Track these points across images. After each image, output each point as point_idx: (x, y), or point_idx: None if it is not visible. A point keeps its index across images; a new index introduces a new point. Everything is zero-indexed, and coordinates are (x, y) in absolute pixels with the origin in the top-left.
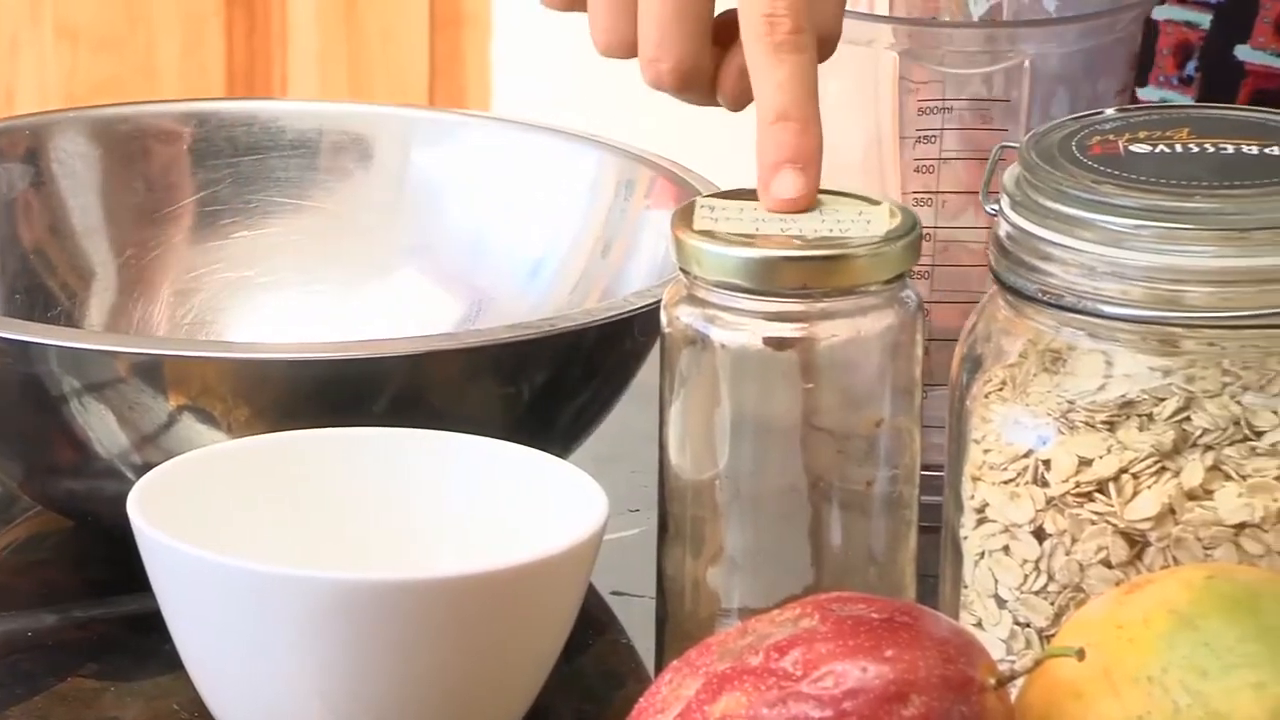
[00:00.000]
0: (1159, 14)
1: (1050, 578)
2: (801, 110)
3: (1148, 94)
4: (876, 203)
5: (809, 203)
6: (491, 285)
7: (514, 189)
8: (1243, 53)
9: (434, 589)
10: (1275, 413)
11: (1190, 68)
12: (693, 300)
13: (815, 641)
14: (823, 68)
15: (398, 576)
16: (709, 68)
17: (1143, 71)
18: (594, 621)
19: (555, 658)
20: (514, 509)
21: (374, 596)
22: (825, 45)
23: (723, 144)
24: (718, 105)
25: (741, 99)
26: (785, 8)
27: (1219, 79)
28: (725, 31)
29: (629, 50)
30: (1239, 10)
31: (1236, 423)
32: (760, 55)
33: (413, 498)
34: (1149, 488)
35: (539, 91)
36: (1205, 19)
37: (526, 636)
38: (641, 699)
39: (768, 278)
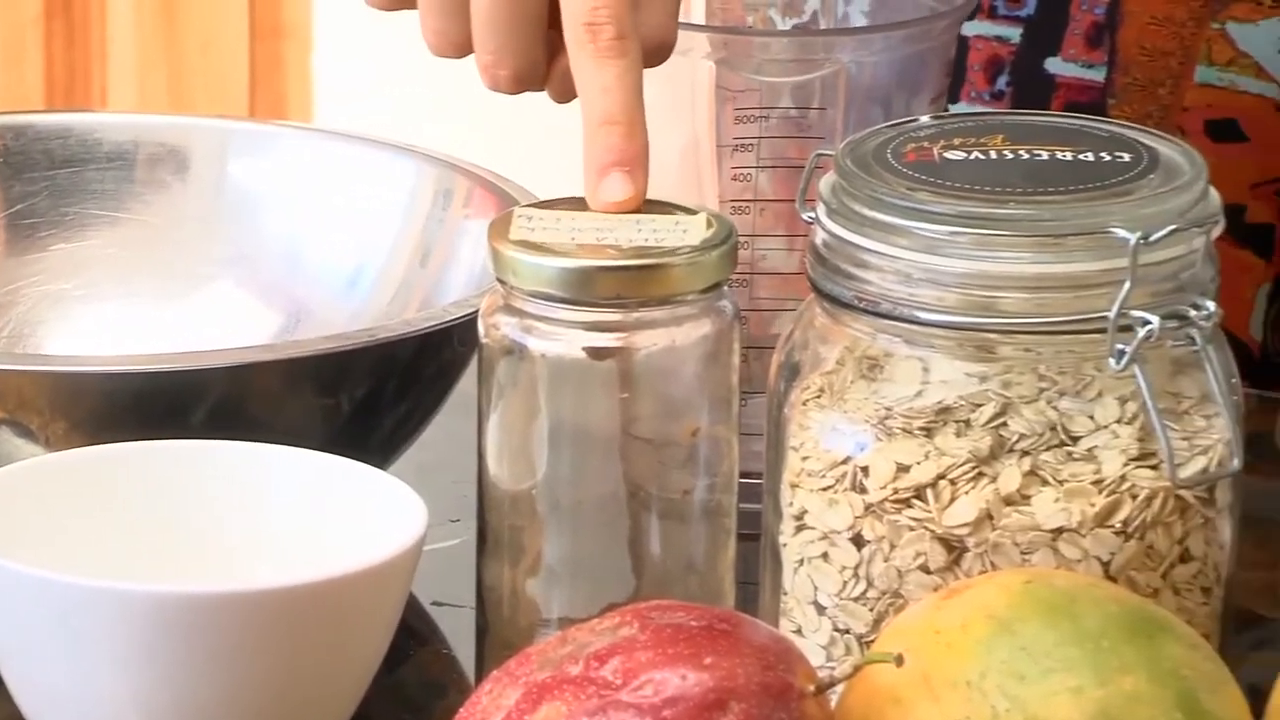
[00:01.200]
0: (968, 30)
1: (869, 584)
2: (627, 114)
3: (959, 110)
4: (693, 212)
5: (637, 204)
6: (310, 296)
7: (331, 199)
8: (1054, 65)
9: (252, 601)
10: (1091, 418)
11: (1001, 82)
12: (510, 310)
13: (634, 650)
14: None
15: (215, 589)
16: (545, 67)
17: (954, 88)
18: (415, 632)
19: (376, 668)
20: (333, 520)
21: (192, 609)
22: (658, 51)
23: (544, 153)
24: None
25: (567, 96)
26: (607, 15)
27: (1030, 92)
28: (556, 17)
29: (460, 51)
30: (1049, 24)
31: (1053, 428)
32: (584, 61)
33: (232, 510)
34: (966, 493)
35: (361, 101)
36: (1015, 33)
37: (346, 647)
38: (462, 709)
39: (584, 288)
